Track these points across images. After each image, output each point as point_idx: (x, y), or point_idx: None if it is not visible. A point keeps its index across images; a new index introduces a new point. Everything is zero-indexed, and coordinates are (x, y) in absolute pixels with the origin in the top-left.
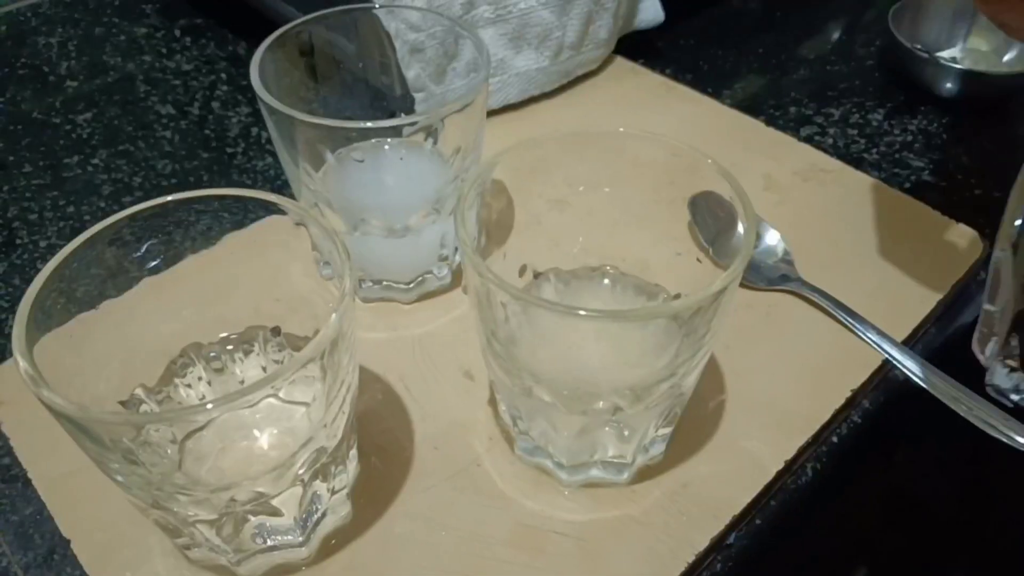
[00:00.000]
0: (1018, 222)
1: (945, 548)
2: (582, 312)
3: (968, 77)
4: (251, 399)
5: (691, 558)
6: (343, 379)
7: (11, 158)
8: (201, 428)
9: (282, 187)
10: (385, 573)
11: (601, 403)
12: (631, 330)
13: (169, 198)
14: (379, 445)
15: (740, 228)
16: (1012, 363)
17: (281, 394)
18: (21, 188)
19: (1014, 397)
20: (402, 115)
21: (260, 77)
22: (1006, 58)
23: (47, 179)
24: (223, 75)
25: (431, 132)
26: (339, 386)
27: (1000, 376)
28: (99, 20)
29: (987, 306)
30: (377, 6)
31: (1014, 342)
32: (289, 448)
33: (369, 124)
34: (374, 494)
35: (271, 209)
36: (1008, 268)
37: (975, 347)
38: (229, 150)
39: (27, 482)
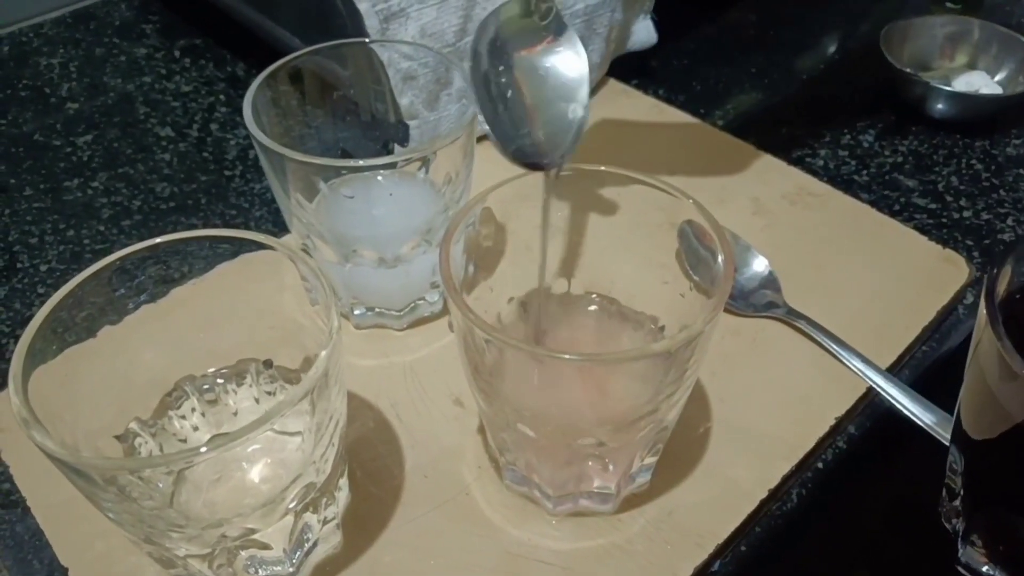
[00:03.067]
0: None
1: (937, 560)
2: (566, 356)
3: (958, 98)
4: (247, 439)
5: None
6: (331, 413)
7: (12, 181)
8: None
9: (279, 210)
10: None
11: (584, 438)
12: (613, 367)
13: (160, 240)
14: (370, 473)
15: (720, 262)
16: (980, 549)
17: (274, 427)
18: (22, 211)
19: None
20: (395, 145)
21: (253, 112)
22: (996, 79)
23: (47, 202)
24: (221, 96)
25: (424, 162)
26: (328, 420)
27: (970, 556)
28: (100, 40)
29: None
30: (370, 40)
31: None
32: (281, 481)
33: (361, 162)
34: (364, 523)
35: (263, 247)
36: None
37: (943, 517)
38: (227, 173)
39: (27, 508)
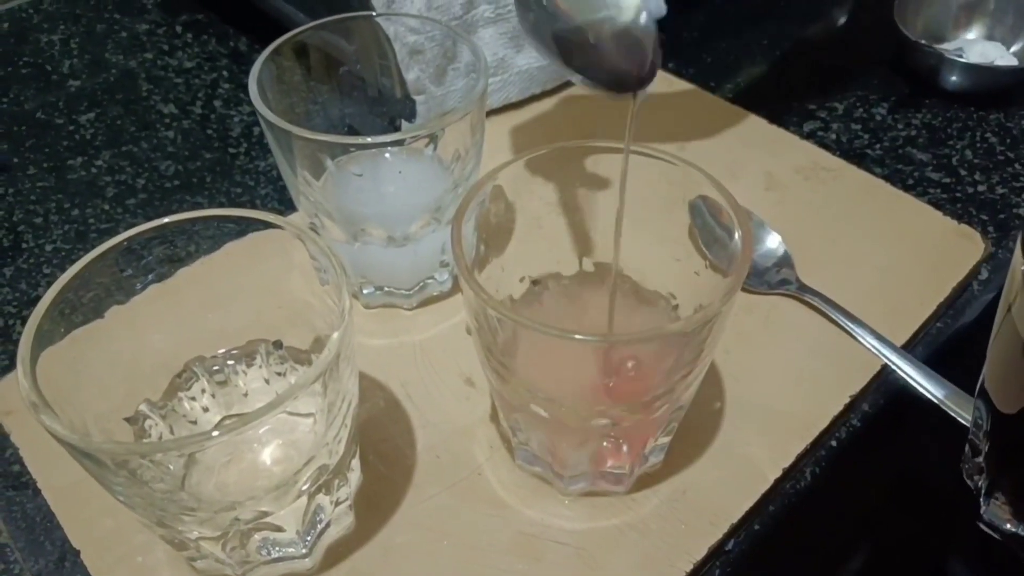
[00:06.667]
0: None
1: (947, 534)
2: (577, 337)
3: (972, 70)
4: (260, 422)
5: (689, 567)
6: (344, 394)
7: (15, 160)
8: None
9: (284, 188)
10: None
11: (598, 419)
12: (628, 347)
13: (167, 220)
14: (381, 453)
15: (737, 241)
16: (1004, 506)
17: (286, 408)
18: (26, 191)
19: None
20: (402, 122)
21: (258, 88)
22: (1012, 50)
23: (51, 181)
24: (224, 72)
25: (432, 139)
26: (340, 400)
27: (993, 513)
28: (100, 16)
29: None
30: (375, 14)
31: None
32: (293, 463)
33: (369, 139)
34: (376, 504)
35: (270, 226)
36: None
37: (965, 474)
38: (231, 150)
39: (37, 489)
